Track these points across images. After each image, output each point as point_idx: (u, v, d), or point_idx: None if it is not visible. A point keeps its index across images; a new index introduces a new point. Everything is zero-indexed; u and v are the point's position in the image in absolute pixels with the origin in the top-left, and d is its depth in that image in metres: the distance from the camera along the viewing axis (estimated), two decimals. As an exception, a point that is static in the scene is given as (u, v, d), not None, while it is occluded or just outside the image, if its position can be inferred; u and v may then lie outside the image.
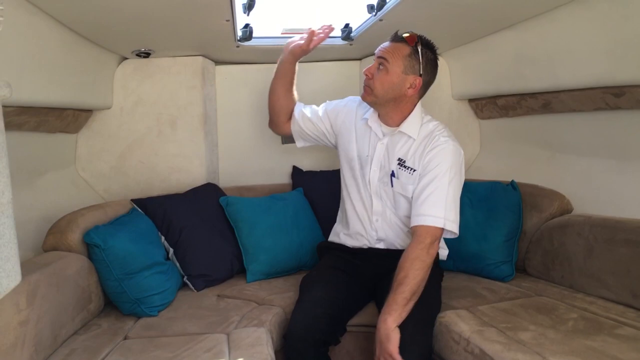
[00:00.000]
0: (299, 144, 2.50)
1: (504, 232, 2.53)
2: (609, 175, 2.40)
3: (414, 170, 2.11)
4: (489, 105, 3.04)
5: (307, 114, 2.40)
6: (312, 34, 2.23)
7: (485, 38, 2.73)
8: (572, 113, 2.52)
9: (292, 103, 2.42)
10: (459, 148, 2.12)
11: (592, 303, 2.10)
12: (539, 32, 2.39)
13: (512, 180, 2.62)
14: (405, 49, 2.05)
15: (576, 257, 2.29)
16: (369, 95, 2.14)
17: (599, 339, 1.75)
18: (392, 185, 2.18)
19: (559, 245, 2.39)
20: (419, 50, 2.05)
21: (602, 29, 2.09)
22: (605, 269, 2.15)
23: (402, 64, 2.05)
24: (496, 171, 2.96)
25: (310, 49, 2.26)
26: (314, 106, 2.44)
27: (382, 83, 2.08)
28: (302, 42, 2.25)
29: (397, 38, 2.09)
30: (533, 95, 2.65)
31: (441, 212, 1.99)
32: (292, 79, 2.37)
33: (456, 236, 2.08)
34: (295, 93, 2.43)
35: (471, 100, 3.20)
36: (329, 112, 2.38)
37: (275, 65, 2.38)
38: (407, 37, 2.05)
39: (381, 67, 2.09)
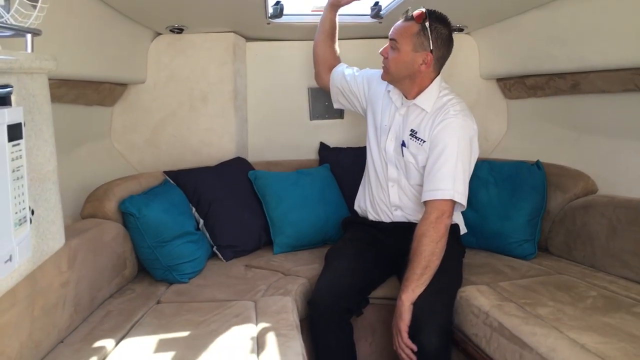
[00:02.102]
0: (335, 105, 2.68)
1: (527, 211, 2.54)
2: (636, 157, 2.39)
3: (424, 142, 2.16)
4: (517, 85, 3.04)
5: (346, 77, 2.54)
6: None
7: (515, 17, 2.72)
8: (600, 94, 2.50)
9: (332, 55, 2.62)
10: (470, 122, 2.14)
11: (613, 282, 2.12)
12: (569, 12, 2.37)
13: (538, 160, 2.63)
14: (414, 27, 2.09)
15: (599, 237, 2.31)
16: (386, 74, 2.23)
17: (617, 316, 1.78)
18: (402, 155, 2.24)
19: (582, 225, 2.40)
20: (427, 26, 2.08)
21: (632, 9, 2.08)
22: (628, 249, 2.17)
23: (411, 42, 2.10)
24: (522, 151, 2.97)
25: (343, 2, 2.47)
26: (355, 69, 2.56)
27: (395, 62, 2.16)
28: None
29: (406, 17, 2.14)
30: (562, 75, 2.64)
31: (449, 184, 2.03)
32: (331, 30, 2.58)
33: (464, 209, 2.15)
34: (337, 48, 2.62)
35: (499, 80, 3.20)
36: (365, 79, 2.49)
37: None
38: (415, 15, 2.09)
39: (394, 47, 2.15)
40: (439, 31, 2.10)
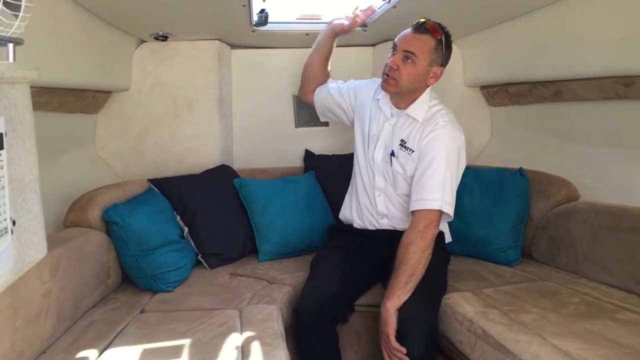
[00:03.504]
0: (322, 118, 2.69)
1: (511, 218, 2.57)
2: (617, 164, 2.43)
3: (413, 152, 2.17)
4: (501, 93, 3.06)
5: (331, 91, 2.53)
6: (357, 16, 2.43)
7: (498, 26, 2.75)
8: (582, 102, 2.54)
9: (323, 76, 2.60)
10: (458, 133, 2.15)
11: (595, 288, 2.15)
12: (551, 20, 2.40)
13: (521, 167, 2.65)
14: (431, 42, 2.07)
15: (581, 244, 2.33)
16: (393, 86, 2.15)
17: (599, 322, 1.80)
18: (391, 165, 2.24)
19: (565, 231, 2.43)
20: (443, 41, 2.09)
21: (614, 18, 2.11)
22: (609, 255, 2.19)
23: (429, 57, 2.09)
24: (506, 158, 2.99)
25: (350, 31, 2.47)
26: (340, 82, 2.55)
27: (409, 75, 2.11)
28: (346, 22, 2.43)
29: (421, 29, 2.08)
30: (544, 83, 2.67)
31: (437, 195, 2.04)
32: (328, 53, 2.55)
33: (451, 219, 2.16)
34: (328, 69, 2.60)
35: (483, 88, 3.22)
36: (351, 90, 2.48)
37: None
38: (431, 28, 2.06)
39: (408, 60, 2.09)
40: (448, 45, 2.12)
